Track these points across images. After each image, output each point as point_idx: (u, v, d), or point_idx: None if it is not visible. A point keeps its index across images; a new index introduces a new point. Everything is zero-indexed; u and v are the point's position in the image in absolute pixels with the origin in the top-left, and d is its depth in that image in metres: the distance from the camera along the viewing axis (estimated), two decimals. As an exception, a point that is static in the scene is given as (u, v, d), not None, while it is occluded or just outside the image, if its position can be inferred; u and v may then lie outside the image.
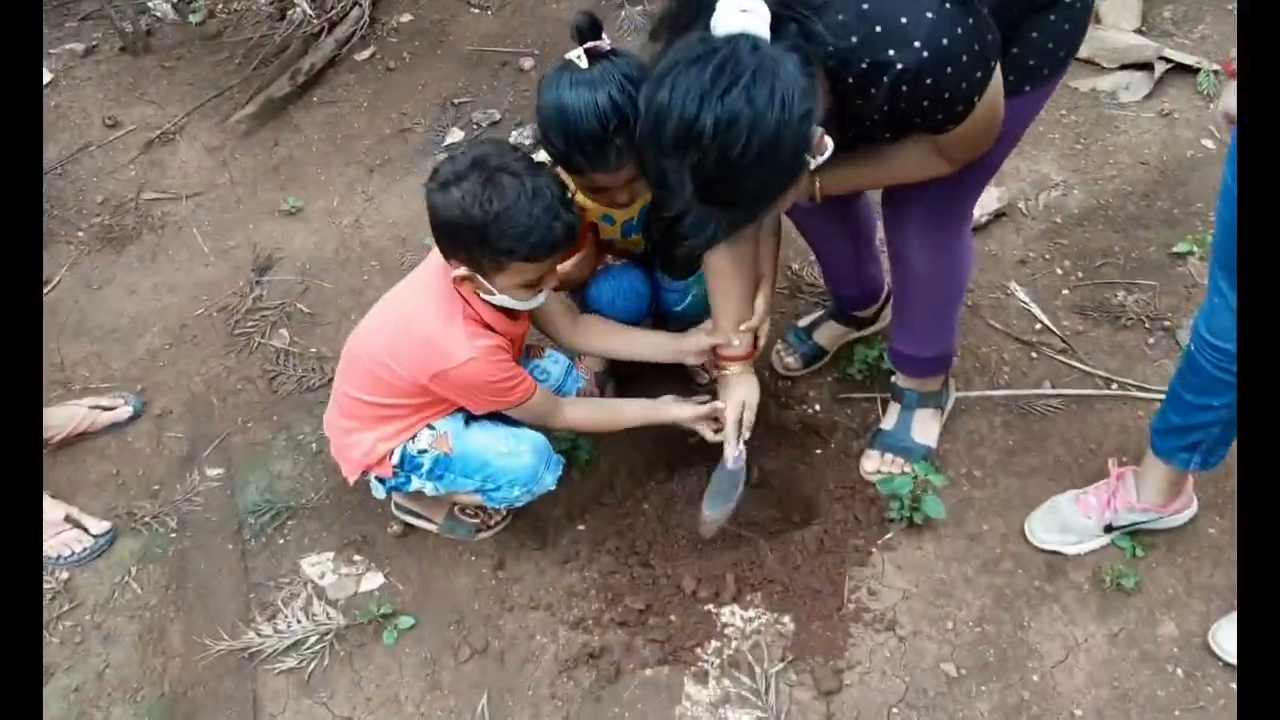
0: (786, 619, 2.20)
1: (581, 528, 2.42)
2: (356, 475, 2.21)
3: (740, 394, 2.19)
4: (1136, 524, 2.18)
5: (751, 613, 2.22)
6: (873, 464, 2.43)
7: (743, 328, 2.16)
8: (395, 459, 2.15)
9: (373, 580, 2.35)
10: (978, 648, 2.09)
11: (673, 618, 2.22)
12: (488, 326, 1.98)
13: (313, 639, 2.23)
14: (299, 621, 2.23)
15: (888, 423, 2.47)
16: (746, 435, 2.20)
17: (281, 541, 2.43)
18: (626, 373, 2.70)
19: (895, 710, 2.01)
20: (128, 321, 3.03)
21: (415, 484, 2.19)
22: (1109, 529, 2.17)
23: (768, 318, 2.23)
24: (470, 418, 2.15)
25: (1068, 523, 2.19)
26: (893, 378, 2.48)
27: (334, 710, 2.12)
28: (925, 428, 2.45)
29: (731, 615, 2.21)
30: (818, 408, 2.66)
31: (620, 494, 2.50)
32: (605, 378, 2.66)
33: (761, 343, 2.24)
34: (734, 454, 2.17)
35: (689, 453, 2.55)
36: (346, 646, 2.22)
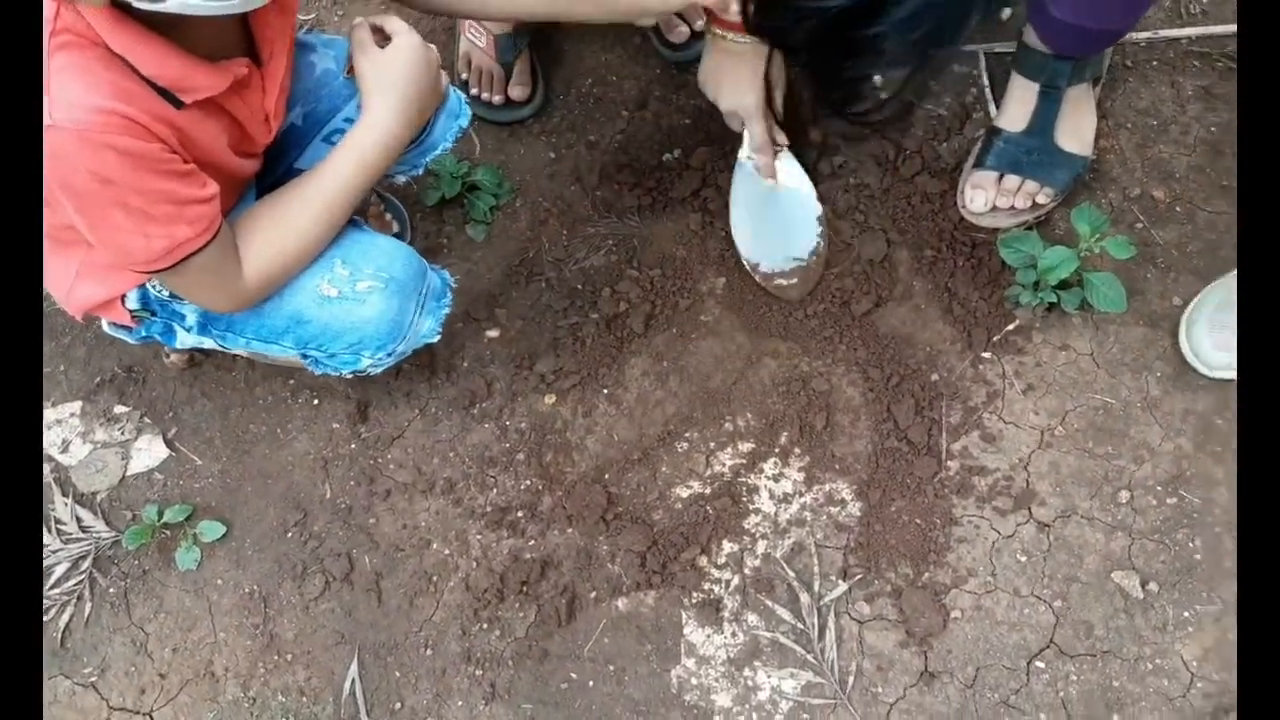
0: (846, 494, 1.37)
1: (494, 334, 1.51)
2: (80, 315, 1.24)
3: (754, 69, 1.32)
4: None
5: (787, 484, 1.39)
6: (984, 197, 1.47)
7: None
8: (133, 302, 1.17)
9: (150, 453, 1.48)
10: (1174, 536, 1.30)
11: (657, 499, 1.39)
12: (149, 87, 0.93)
13: (59, 571, 1.40)
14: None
15: (1011, 117, 1.48)
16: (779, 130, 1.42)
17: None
18: (543, 30, 1.64)
19: (1039, 663, 1.25)
20: None
21: (186, 339, 1.23)
22: None
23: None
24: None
25: None
26: (1022, 34, 1.44)
27: (105, 696, 1.34)
28: (1080, 121, 1.48)
29: (754, 489, 1.38)
30: (877, 81, 1.61)
31: (548, 266, 1.56)
32: (510, 43, 1.60)
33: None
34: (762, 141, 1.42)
35: (665, 177, 1.57)
36: (117, 580, 1.40)
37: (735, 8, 1.21)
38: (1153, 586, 1.29)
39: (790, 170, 1.46)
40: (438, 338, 1.29)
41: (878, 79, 1.03)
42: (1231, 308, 1.36)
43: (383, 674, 1.35)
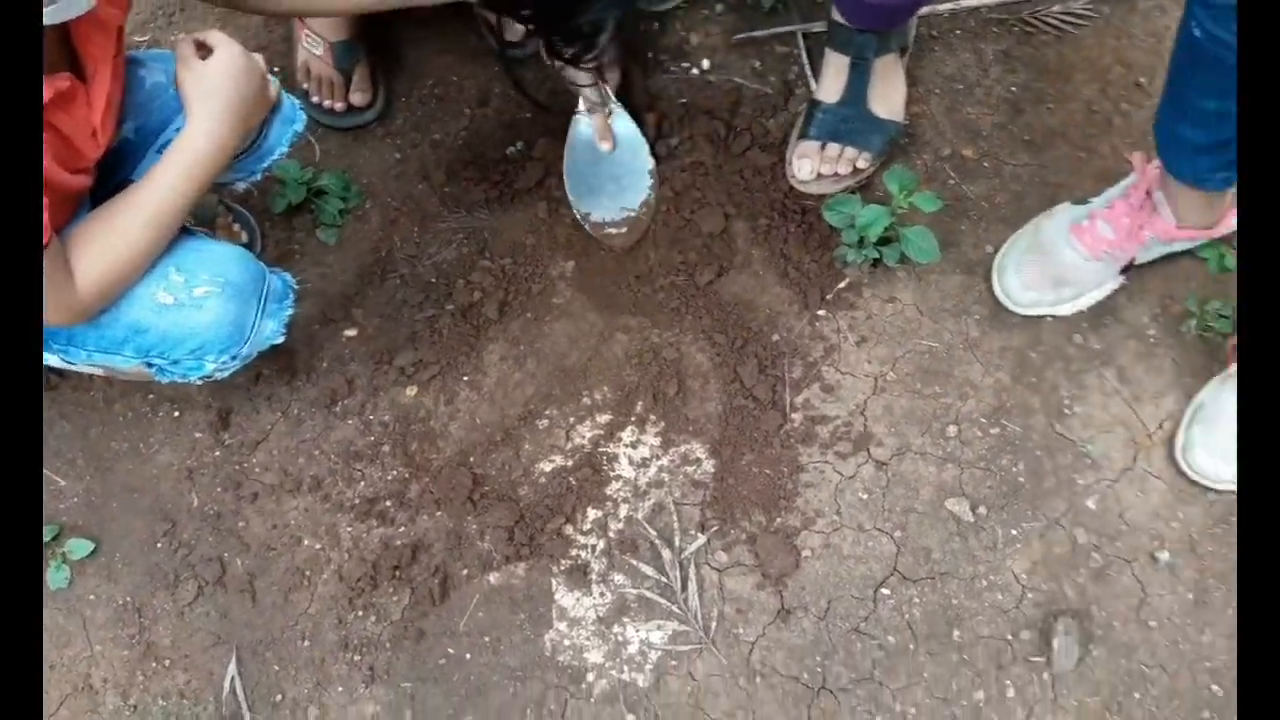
0: (700, 453, 1.45)
1: (352, 333, 1.55)
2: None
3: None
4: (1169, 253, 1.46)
5: (644, 450, 1.46)
6: (809, 165, 1.57)
7: None
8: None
9: (12, 480, 1.46)
10: (998, 462, 1.41)
11: (521, 475, 1.45)
12: None
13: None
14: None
15: (827, 90, 1.58)
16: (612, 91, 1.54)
17: None
18: (380, 35, 1.69)
19: (884, 590, 1.34)
20: None
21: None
22: (1128, 268, 1.42)
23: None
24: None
25: (1063, 269, 1.42)
26: (828, 7, 1.55)
27: (-15, 724, 1.33)
28: (889, 89, 1.58)
29: (614, 458, 1.45)
30: (706, 65, 1.72)
31: (401, 264, 1.60)
32: (348, 50, 1.65)
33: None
34: (596, 104, 1.54)
35: (510, 169, 1.64)
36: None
37: None
38: (982, 510, 1.39)
39: (623, 124, 1.54)
40: (282, 338, 1.32)
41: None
42: (1037, 249, 1.48)
43: (262, 669, 1.38)
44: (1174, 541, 1.35)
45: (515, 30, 1.74)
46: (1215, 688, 1.27)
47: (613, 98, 1.55)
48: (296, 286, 1.36)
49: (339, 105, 1.70)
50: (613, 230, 1.57)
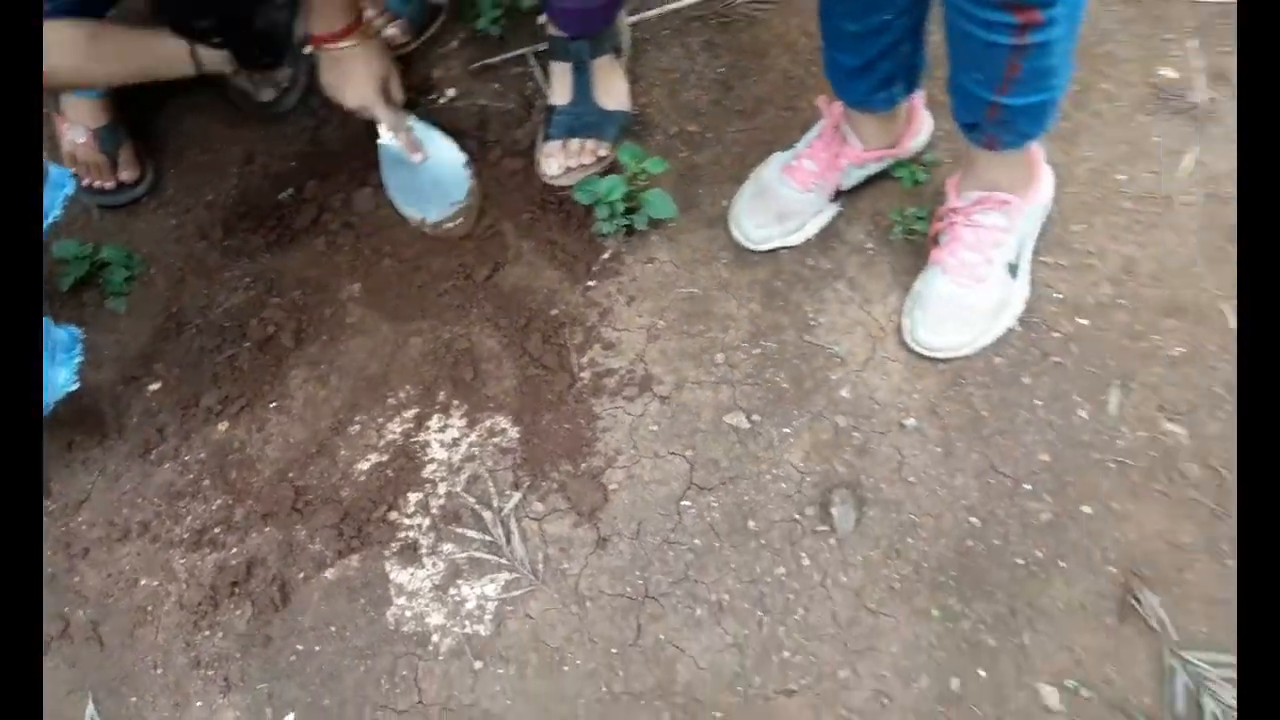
0: (504, 424, 1.59)
1: (156, 386, 1.63)
2: None
3: (365, 66, 1.64)
4: (868, 176, 1.71)
5: (453, 431, 1.59)
6: (556, 162, 1.76)
7: None
8: None
9: None
10: (763, 376, 1.60)
11: (341, 478, 1.55)
12: None
13: None
14: None
15: (559, 94, 1.78)
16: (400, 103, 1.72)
17: None
18: (140, 115, 1.81)
19: (685, 502, 1.50)
20: None
21: None
22: (838, 195, 1.68)
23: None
24: None
25: (784, 205, 1.66)
26: (546, 27, 1.76)
27: None
28: (611, 85, 1.79)
29: (425, 444, 1.58)
30: (452, 93, 1.91)
31: (194, 315, 1.70)
32: (110, 133, 1.75)
33: (368, 9, 1.62)
34: (395, 125, 1.71)
35: (285, 214, 1.77)
36: None
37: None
38: (756, 418, 1.58)
39: (423, 131, 1.70)
40: (76, 385, 1.40)
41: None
42: (760, 193, 1.70)
43: (119, 705, 1.42)
44: (917, 410, 1.57)
45: (268, 92, 1.89)
46: (973, 520, 1.48)
47: (407, 114, 1.70)
48: (83, 336, 1.44)
49: (109, 184, 1.79)
50: (451, 224, 1.74)
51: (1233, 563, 1.39)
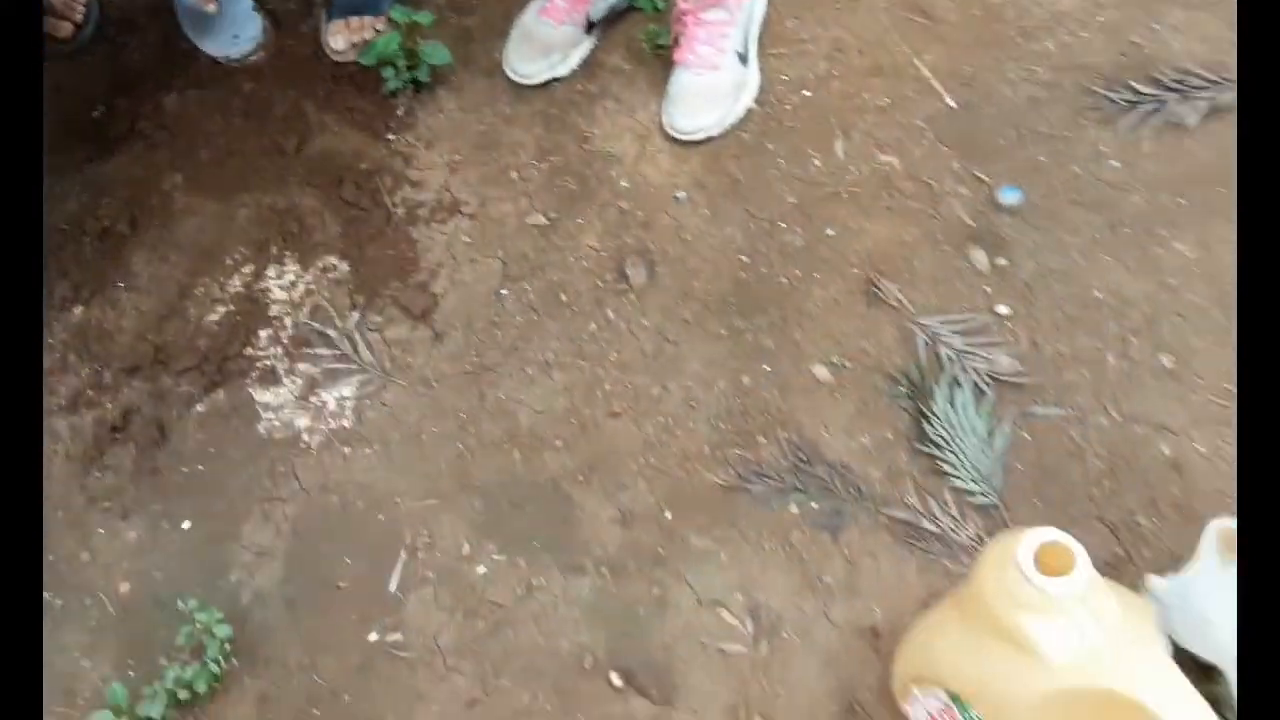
0: (334, 261, 1.81)
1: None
2: None
3: None
4: (613, 6, 1.99)
5: (289, 275, 1.80)
6: (342, 39, 1.98)
7: None
8: None
9: None
10: (554, 183, 1.87)
11: (195, 331, 1.74)
12: None
13: None
14: None
15: (336, -22, 2.00)
16: None
17: None
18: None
19: (503, 291, 1.76)
20: None
21: None
22: (590, 27, 1.96)
23: None
24: None
25: (546, 40, 1.93)
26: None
27: None
28: (371, -34, 2.02)
29: (266, 290, 1.78)
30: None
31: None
32: None
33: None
34: None
35: (101, 126, 1.93)
36: None
37: None
38: (553, 214, 1.84)
39: None
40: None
41: None
42: (524, 36, 1.95)
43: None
44: (685, 185, 1.86)
45: (64, 28, 2.04)
46: (742, 257, 1.77)
47: None
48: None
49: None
50: (254, 57, 1.99)
51: (949, 248, 1.73)
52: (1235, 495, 1.46)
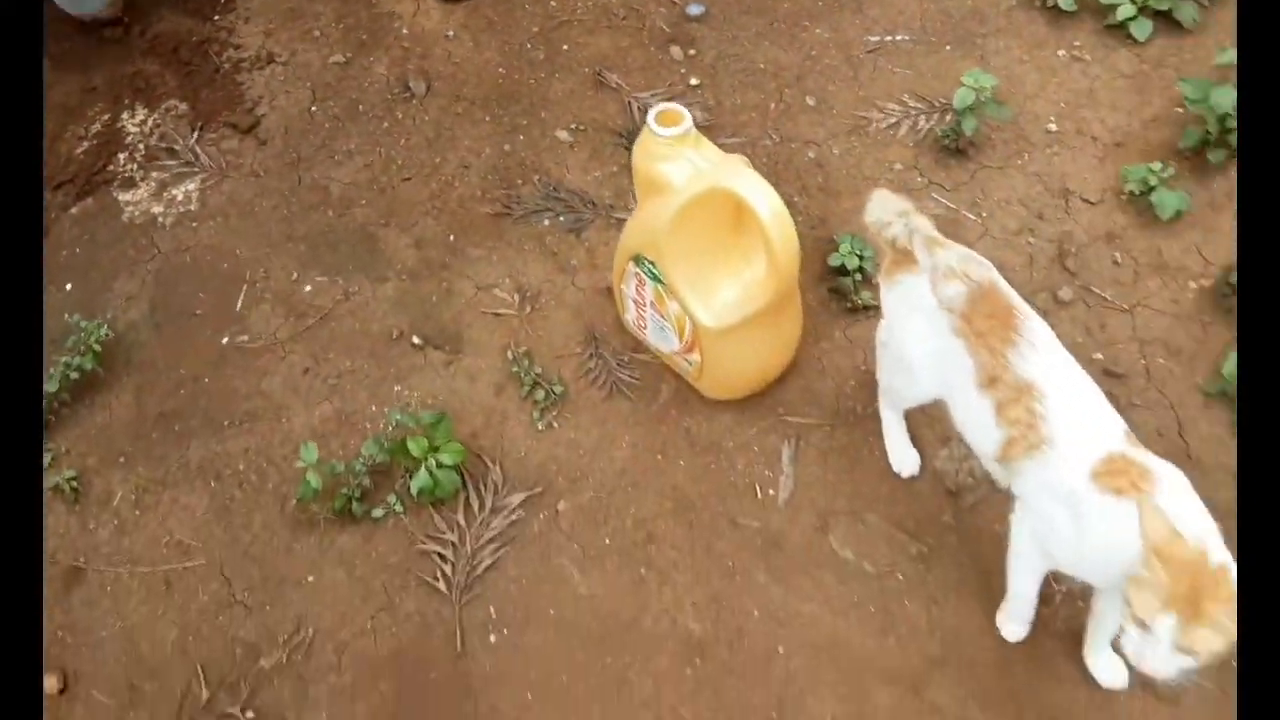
0: (176, 103, 2.28)
1: None
2: None
3: None
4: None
5: (139, 116, 2.26)
6: None
7: None
8: None
9: None
10: (351, 36, 2.38)
11: (64, 162, 2.18)
12: None
13: None
14: None
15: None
16: None
17: None
18: None
19: (313, 109, 2.25)
20: None
21: None
22: None
23: None
24: None
25: None
26: None
27: None
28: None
29: (122, 128, 2.23)
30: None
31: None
32: None
33: None
34: None
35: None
36: None
37: None
38: (349, 54, 2.34)
39: None
40: None
41: None
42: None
43: None
44: (453, 27, 2.40)
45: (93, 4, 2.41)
46: (500, 70, 2.31)
47: None
48: None
49: None
50: (108, 12, 2.34)
51: (654, 48, 2.30)
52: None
